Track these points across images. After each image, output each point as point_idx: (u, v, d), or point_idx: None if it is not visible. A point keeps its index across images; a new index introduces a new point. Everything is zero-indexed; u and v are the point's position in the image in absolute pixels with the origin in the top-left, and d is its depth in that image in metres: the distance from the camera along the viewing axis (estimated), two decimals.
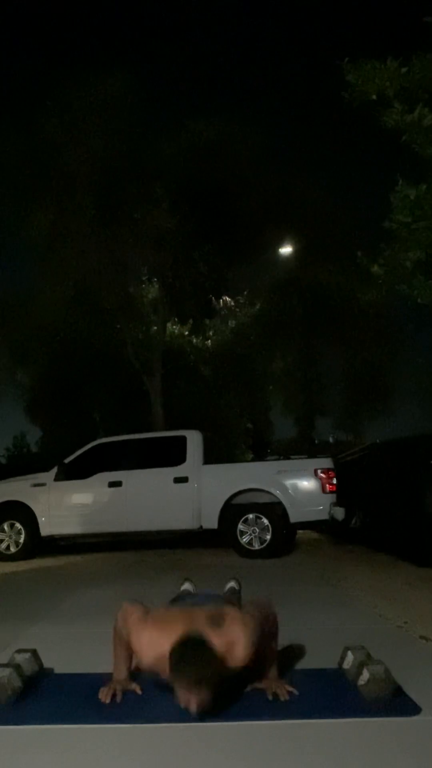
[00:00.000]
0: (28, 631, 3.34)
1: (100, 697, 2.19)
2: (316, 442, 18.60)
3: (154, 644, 2.04)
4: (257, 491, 6.69)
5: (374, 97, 6.10)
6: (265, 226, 12.32)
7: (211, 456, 7.34)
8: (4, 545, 7.17)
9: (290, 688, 2.17)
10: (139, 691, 2.24)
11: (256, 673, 2.20)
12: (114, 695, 2.19)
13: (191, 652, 1.88)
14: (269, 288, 15.64)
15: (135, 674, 2.36)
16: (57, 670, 2.57)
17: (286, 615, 3.37)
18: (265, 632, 2.14)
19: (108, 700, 2.17)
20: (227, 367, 15.72)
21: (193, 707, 1.88)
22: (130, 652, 2.24)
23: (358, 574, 5.14)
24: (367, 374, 15.93)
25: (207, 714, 1.94)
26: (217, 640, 1.97)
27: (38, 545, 7.22)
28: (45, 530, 7.15)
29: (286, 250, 14.32)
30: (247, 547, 6.47)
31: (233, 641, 2.01)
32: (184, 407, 13.50)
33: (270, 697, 2.14)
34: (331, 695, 2.20)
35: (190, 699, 1.88)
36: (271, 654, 2.24)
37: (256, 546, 6.50)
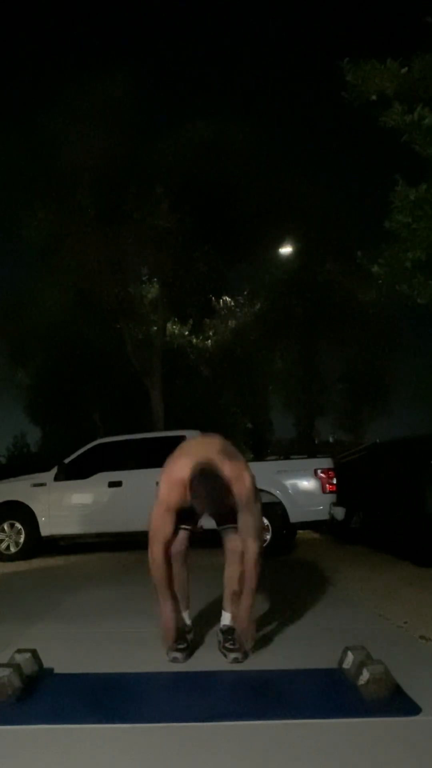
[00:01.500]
0: (28, 631, 3.34)
1: (165, 640, 2.59)
2: (316, 442, 18.59)
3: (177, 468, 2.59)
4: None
5: (374, 97, 6.08)
6: (265, 226, 12.32)
7: None
8: (4, 545, 7.17)
9: (252, 635, 2.54)
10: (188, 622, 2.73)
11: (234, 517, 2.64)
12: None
13: (206, 476, 2.45)
14: (269, 288, 15.64)
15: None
16: (57, 670, 2.56)
17: (286, 615, 3.38)
18: (257, 502, 2.60)
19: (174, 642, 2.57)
20: (227, 367, 15.72)
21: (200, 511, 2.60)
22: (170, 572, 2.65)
23: (358, 574, 5.14)
24: (367, 374, 15.94)
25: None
26: (225, 468, 2.50)
27: (38, 545, 7.22)
28: (45, 530, 7.14)
29: (286, 249, 14.33)
30: None
31: (236, 475, 2.52)
32: (184, 407, 13.50)
33: (235, 645, 2.50)
34: (331, 695, 2.21)
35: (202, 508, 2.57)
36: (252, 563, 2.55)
37: None
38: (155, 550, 2.61)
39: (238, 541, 2.64)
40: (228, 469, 2.51)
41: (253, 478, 2.60)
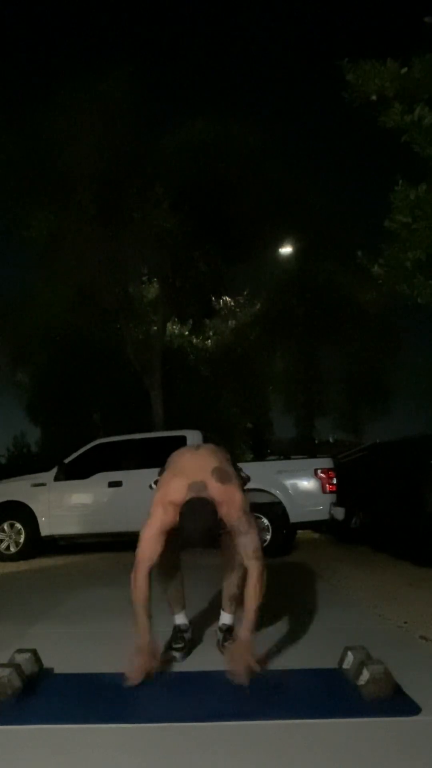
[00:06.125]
0: (28, 631, 3.34)
1: (129, 676, 2.28)
2: (316, 442, 18.58)
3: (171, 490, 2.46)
4: (257, 491, 6.68)
5: (374, 97, 6.08)
6: (265, 225, 12.32)
7: None
8: (4, 545, 7.17)
9: (255, 667, 2.27)
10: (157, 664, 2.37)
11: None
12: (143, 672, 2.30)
13: (196, 511, 2.31)
14: (269, 288, 15.65)
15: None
16: (57, 670, 2.57)
17: (286, 615, 3.38)
18: (252, 524, 2.53)
19: (139, 679, 2.27)
20: (227, 367, 15.71)
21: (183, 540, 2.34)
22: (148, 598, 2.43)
23: (358, 574, 5.14)
24: (367, 374, 15.94)
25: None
26: (216, 492, 2.39)
27: (38, 545, 7.22)
28: (45, 530, 7.14)
29: (286, 249, 14.33)
30: None
31: (228, 500, 2.42)
32: (184, 407, 13.50)
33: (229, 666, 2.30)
34: (331, 695, 2.21)
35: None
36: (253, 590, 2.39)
37: None
38: (140, 576, 2.43)
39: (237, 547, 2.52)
40: (218, 492, 2.40)
41: (246, 501, 2.50)
